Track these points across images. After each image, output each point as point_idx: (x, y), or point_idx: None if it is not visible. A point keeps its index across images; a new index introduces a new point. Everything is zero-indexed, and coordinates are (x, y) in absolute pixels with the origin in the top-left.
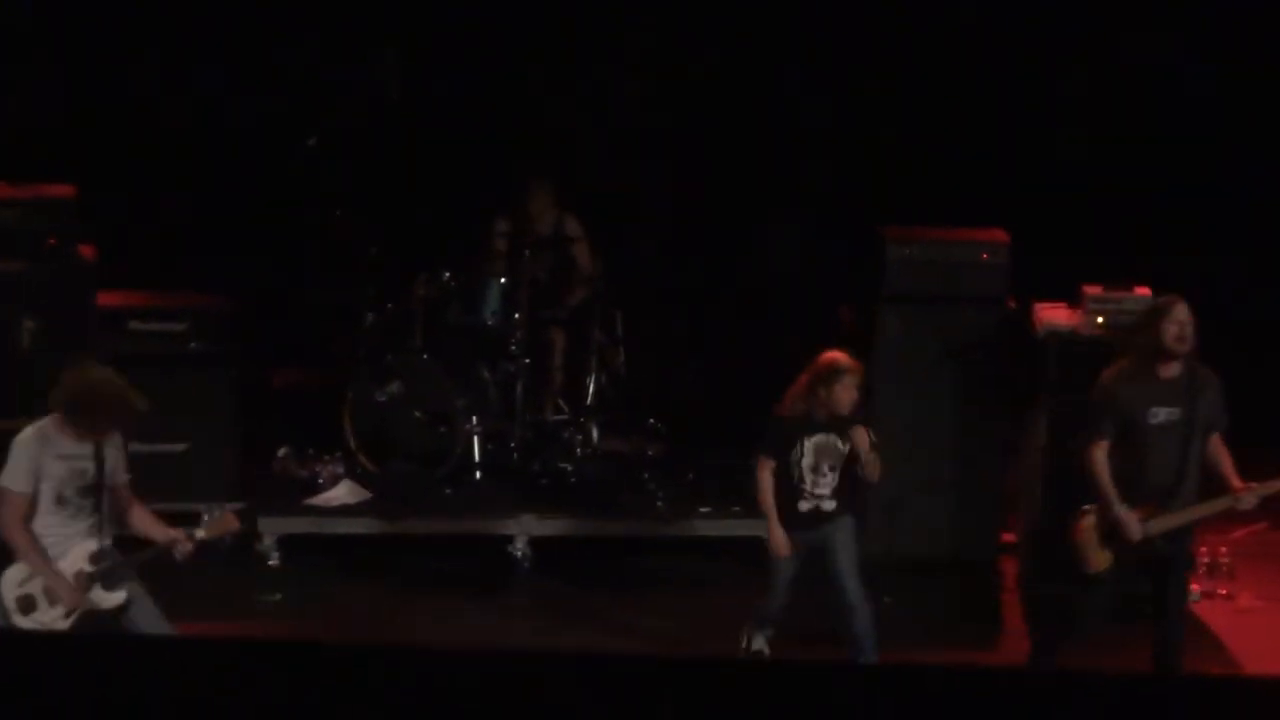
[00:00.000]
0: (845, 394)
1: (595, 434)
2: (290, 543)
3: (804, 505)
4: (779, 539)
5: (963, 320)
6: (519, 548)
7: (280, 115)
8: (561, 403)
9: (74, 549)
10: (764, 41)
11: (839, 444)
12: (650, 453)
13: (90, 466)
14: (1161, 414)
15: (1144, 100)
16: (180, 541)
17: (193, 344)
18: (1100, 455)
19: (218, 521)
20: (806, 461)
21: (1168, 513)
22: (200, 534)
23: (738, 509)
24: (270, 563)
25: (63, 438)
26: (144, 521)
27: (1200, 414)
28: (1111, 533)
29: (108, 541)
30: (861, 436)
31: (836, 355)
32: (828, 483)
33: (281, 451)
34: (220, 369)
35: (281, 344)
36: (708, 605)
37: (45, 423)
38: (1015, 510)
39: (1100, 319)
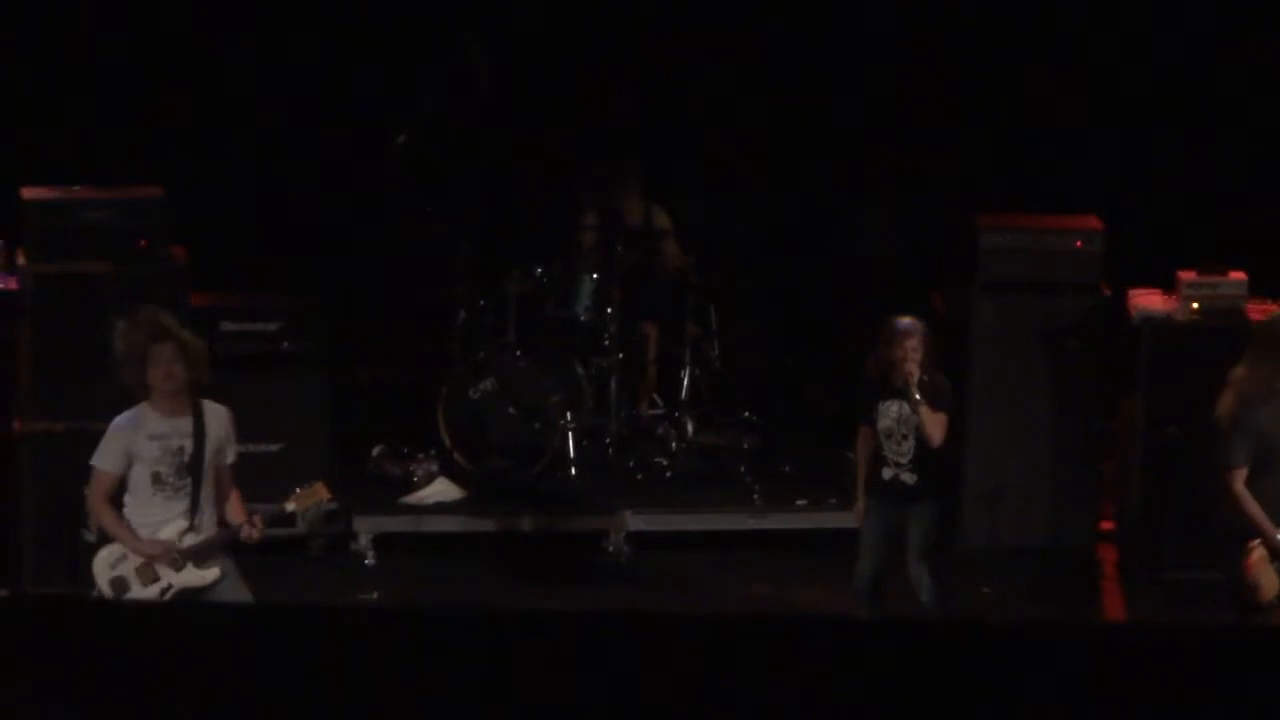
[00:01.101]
0: (903, 352)
1: (690, 428)
2: (386, 541)
3: (886, 473)
4: (858, 506)
5: (1058, 308)
6: (615, 544)
7: (371, 111)
8: (656, 397)
9: (168, 526)
10: (851, 26)
11: (909, 410)
12: (746, 446)
13: (187, 444)
14: None
15: (1235, 85)
16: (249, 524)
17: (285, 344)
18: (1241, 487)
19: (308, 492)
20: (884, 426)
21: None
22: (290, 506)
23: (834, 501)
24: (366, 562)
25: (155, 416)
26: (233, 508)
27: None
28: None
29: (204, 519)
30: (911, 390)
31: (895, 318)
32: (905, 451)
33: (376, 450)
34: (313, 368)
35: (374, 342)
36: (806, 598)
37: (138, 407)
38: (1113, 497)
39: (1195, 304)
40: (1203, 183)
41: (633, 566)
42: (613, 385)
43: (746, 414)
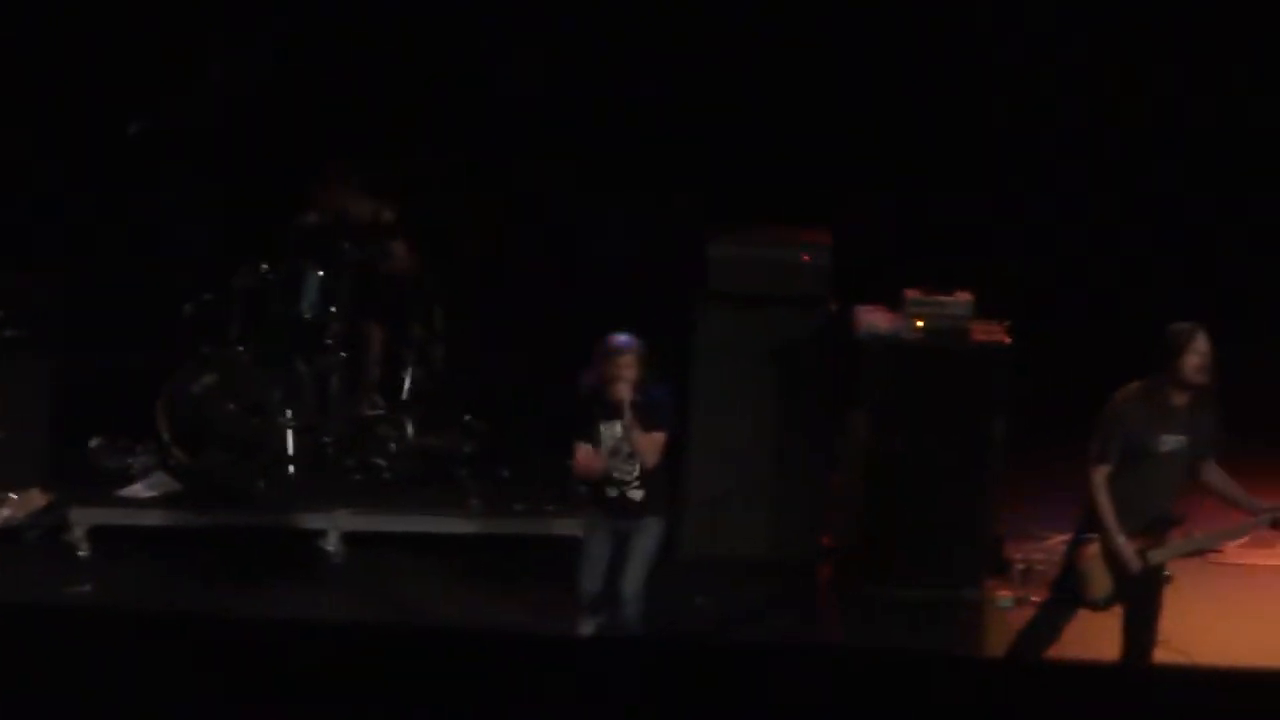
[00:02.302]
0: (617, 370)
1: (411, 430)
2: (101, 534)
3: (610, 490)
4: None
5: (784, 320)
6: (331, 542)
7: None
8: (378, 398)
9: None
10: (607, 26)
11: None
12: (466, 449)
13: None
14: (1170, 442)
15: (981, 100)
16: None
17: (5, 329)
18: (1102, 480)
19: (24, 499)
20: (605, 446)
21: (1164, 542)
22: (5, 512)
23: (551, 507)
24: (80, 553)
25: None
26: None
27: (1201, 441)
28: (1113, 561)
29: None
30: (624, 412)
31: (611, 336)
32: (630, 469)
33: (94, 441)
34: (33, 354)
35: (99, 331)
36: (520, 601)
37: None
38: (834, 513)
39: (920, 322)
40: (932, 199)
41: (348, 566)
42: (334, 383)
43: (468, 417)
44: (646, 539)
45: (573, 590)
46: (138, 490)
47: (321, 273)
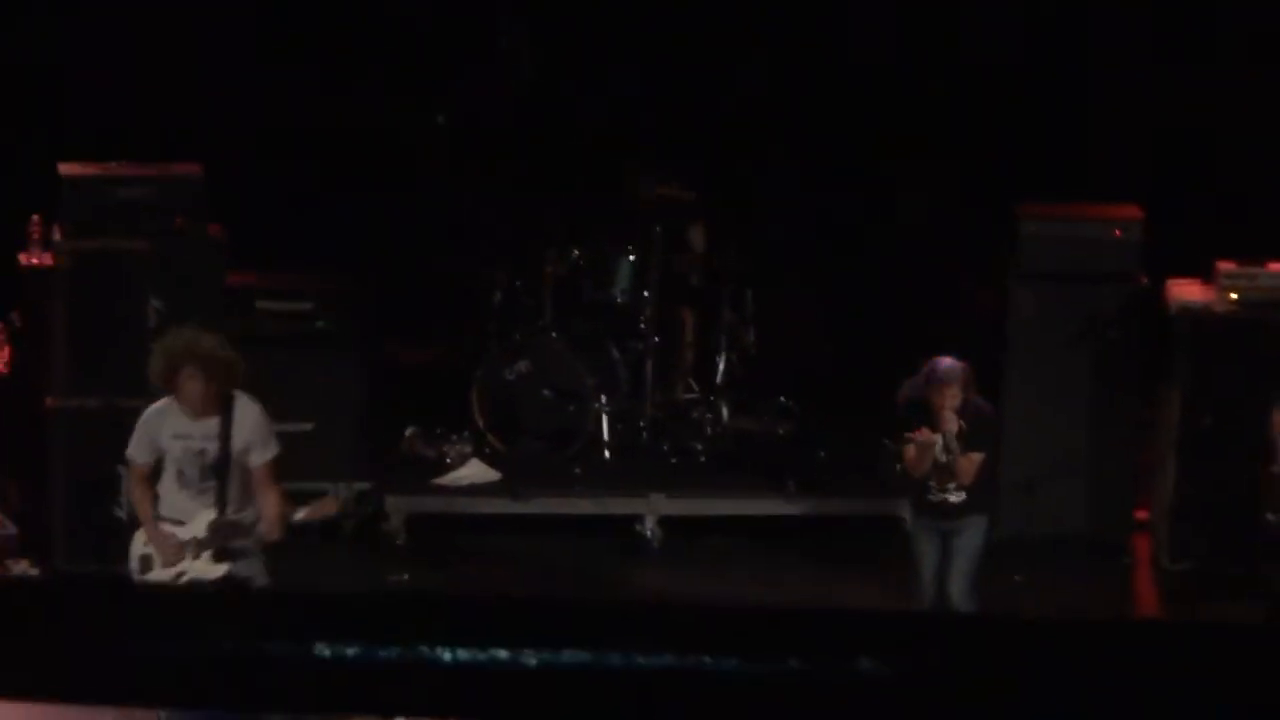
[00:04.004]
0: (941, 400)
1: (725, 413)
2: (417, 523)
3: (931, 497)
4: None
5: (1096, 298)
6: (648, 527)
7: (410, 92)
8: (691, 381)
9: (198, 517)
10: (891, 11)
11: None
12: (780, 431)
13: (210, 446)
14: None
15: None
16: (269, 528)
17: (319, 323)
18: None
19: (319, 505)
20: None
21: None
22: (299, 516)
23: (869, 488)
24: (397, 543)
25: (179, 416)
26: (262, 504)
27: None
28: None
29: (232, 516)
30: (948, 422)
31: (937, 361)
32: (950, 480)
33: (409, 431)
34: (347, 348)
35: (410, 323)
36: (838, 587)
37: (166, 400)
38: (1148, 488)
39: (1233, 295)
40: (1244, 172)
41: (665, 550)
42: (648, 369)
43: (782, 399)
44: (969, 538)
45: (905, 585)
46: (454, 479)
47: (633, 257)
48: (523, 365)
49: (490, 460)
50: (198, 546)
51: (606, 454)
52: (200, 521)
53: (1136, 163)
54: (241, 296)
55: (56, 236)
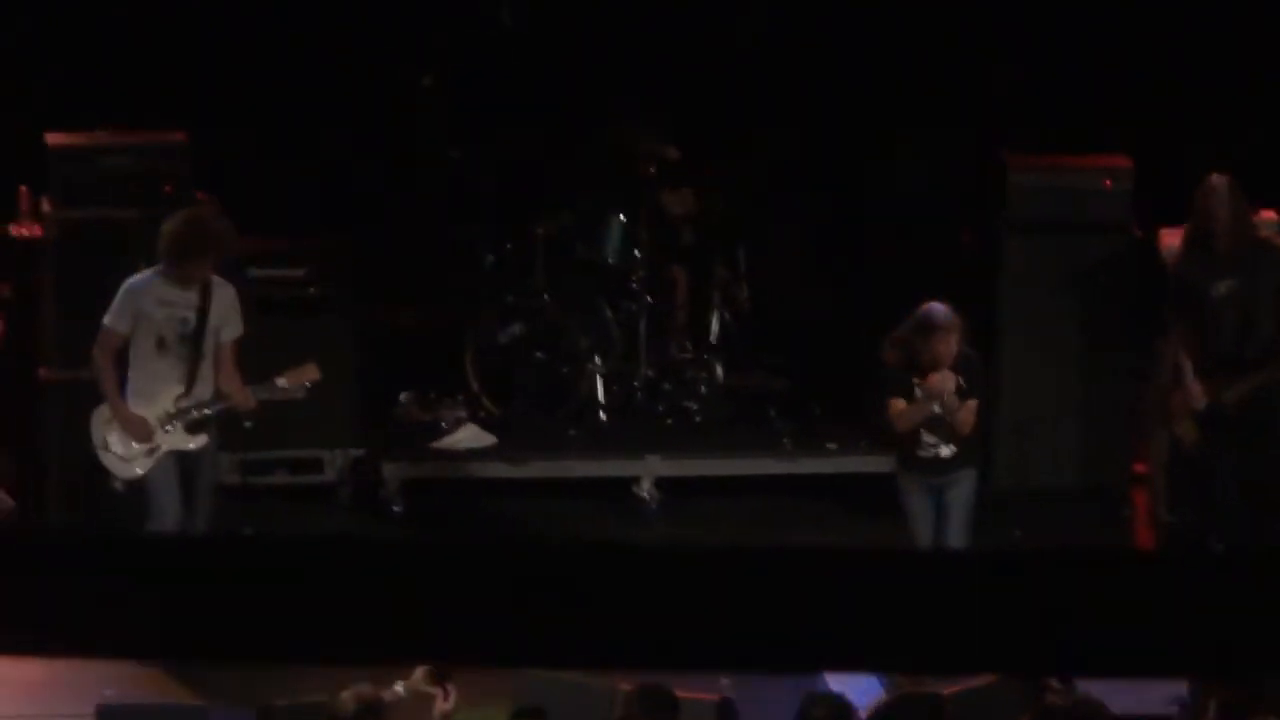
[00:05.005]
0: (942, 348)
1: (720, 372)
2: (413, 488)
3: (923, 453)
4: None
5: (1086, 247)
6: (645, 489)
7: (396, 51)
8: (686, 341)
9: (164, 391)
10: None
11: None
12: (775, 389)
13: (191, 315)
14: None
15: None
16: (243, 398)
17: (312, 289)
18: None
19: (298, 371)
20: (922, 415)
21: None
22: (281, 382)
23: (864, 444)
24: (395, 508)
25: (167, 285)
26: (227, 381)
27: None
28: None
29: (200, 388)
30: (944, 381)
31: (931, 309)
32: (941, 432)
33: (403, 396)
34: (340, 313)
35: (402, 287)
36: (838, 542)
37: (153, 269)
38: (1144, 441)
39: None
40: (1234, 121)
41: (662, 511)
42: (641, 329)
43: (776, 357)
44: (960, 491)
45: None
46: (450, 443)
47: (623, 217)
48: (516, 328)
49: (485, 424)
50: (169, 419)
51: (602, 415)
52: (168, 396)
53: (1127, 113)
54: (233, 264)
55: (45, 208)
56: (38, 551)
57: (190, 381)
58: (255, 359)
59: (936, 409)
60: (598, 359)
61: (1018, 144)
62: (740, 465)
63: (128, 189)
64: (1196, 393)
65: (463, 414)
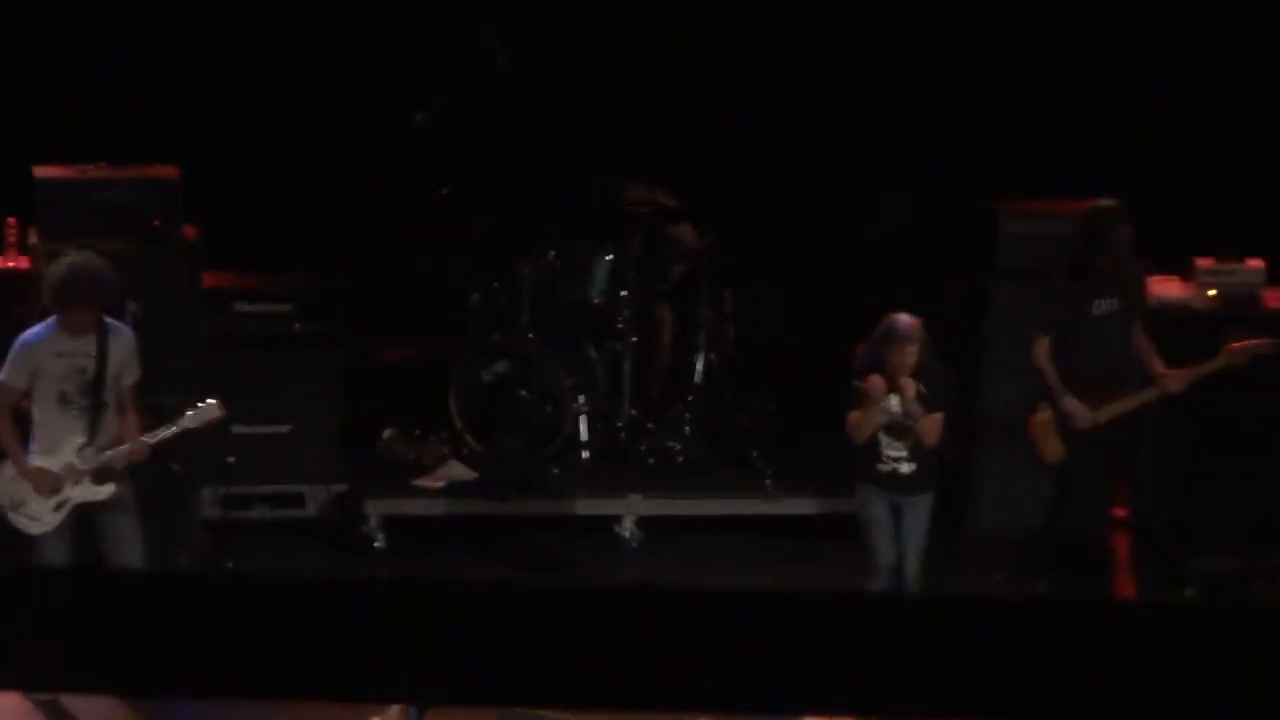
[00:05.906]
0: (900, 358)
1: (704, 413)
2: (395, 524)
3: (882, 467)
4: None
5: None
6: (627, 528)
7: (387, 91)
8: (669, 382)
9: (67, 442)
10: (870, 10)
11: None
12: (759, 430)
13: (90, 365)
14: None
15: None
16: (140, 445)
17: (297, 325)
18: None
19: (203, 410)
20: (882, 421)
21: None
22: (185, 423)
23: (846, 486)
24: (375, 544)
25: (62, 335)
26: (128, 429)
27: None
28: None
29: (104, 437)
30: (905, 387)
31: (896, 319)
32: (903, 446)
33: (387, 432)
34: (324, 350)
35: (387, 324)
36: (817, 584)
37: (45, 323)
38: (1126, 485)
39: (1212, 291)
40: (1222, 169)
41: (644, 551)
42: (626, 368)
43: (760, 398)
44: (917, 516)
45: (867, 562)
46: (433, 479)
47: (610, 257)
48: (501, 366)
49: (468, 461)
50: (76, 472)
51: (585, 455)
52: (69, 448)
53: (1114, 159)
54: (218, 298)
55: (33, 240)
56: (15, 586)
57: (93, 431)
58: (237, 395)
59: (895, 409)
60: (581, 398)
61: (1005, 189)
62: (722, 505)
63: (116, 222)
64: (1075, 410)
65: (446, 451)
